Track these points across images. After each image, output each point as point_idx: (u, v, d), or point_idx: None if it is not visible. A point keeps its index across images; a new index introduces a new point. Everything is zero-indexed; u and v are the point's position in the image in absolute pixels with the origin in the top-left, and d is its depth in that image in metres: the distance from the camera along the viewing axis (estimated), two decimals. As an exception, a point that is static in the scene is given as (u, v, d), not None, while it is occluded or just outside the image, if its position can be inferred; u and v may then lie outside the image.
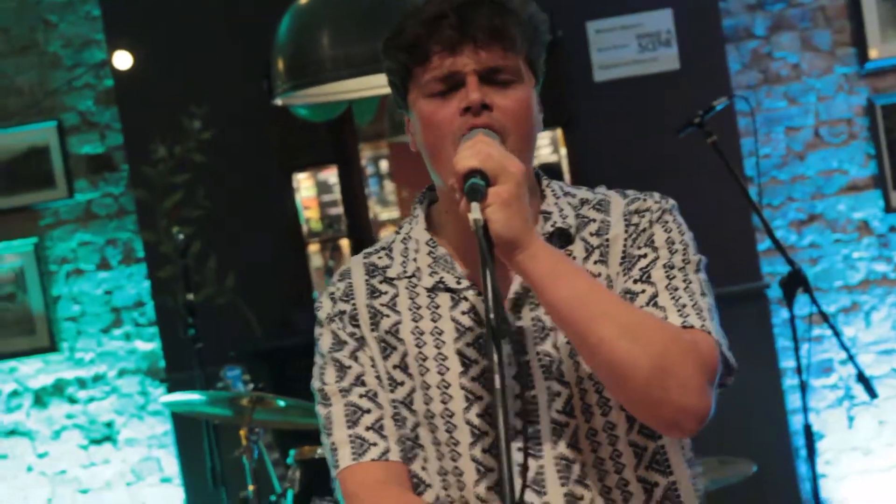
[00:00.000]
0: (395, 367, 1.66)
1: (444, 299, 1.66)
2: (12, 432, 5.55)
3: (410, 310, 1.67)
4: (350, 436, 1.63)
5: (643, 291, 1.59)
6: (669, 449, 1.63)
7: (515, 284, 1.64)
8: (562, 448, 1.59)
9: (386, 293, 1.69)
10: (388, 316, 1.68)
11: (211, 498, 4.46)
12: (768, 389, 5.03)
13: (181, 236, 3.94)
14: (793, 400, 5.06)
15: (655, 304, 1.58)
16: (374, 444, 1.62)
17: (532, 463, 1.59)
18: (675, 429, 1.52)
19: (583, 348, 1.51)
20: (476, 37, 1.57)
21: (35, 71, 5.54)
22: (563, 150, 5.15)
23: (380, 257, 1.74)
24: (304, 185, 5.51)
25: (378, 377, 1.66)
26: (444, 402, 1.61)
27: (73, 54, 5.51)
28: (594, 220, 1.68)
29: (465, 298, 1.65)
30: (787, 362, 5.08)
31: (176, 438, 5.39)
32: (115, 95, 5.39)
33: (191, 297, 4.01)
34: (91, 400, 5.54)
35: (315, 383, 1.70)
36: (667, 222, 1.65)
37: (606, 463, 1.59)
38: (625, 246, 1.64)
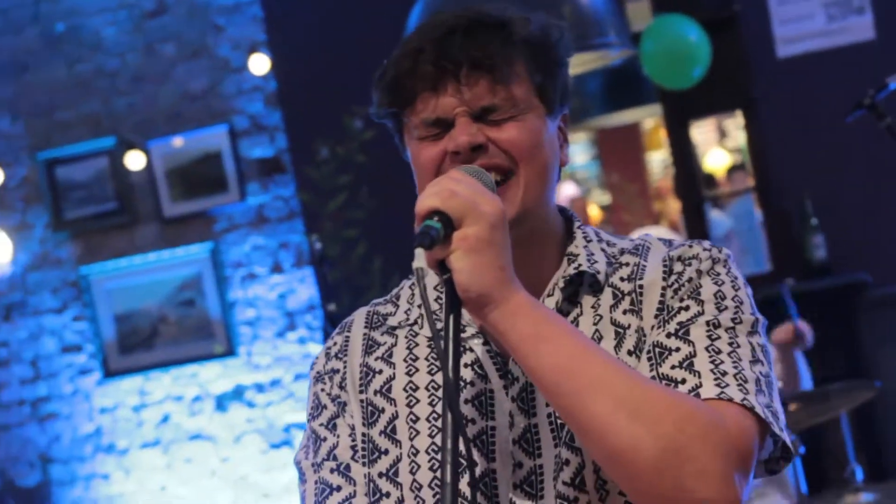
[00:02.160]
0: (381, 433, 1.43)
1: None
2: (196, 437, 5.60)
3: (406, 361, 1.44)
4: None
5: (677, 349, 1.31)
6: None
7: None
8: None
9: (383, 345, 1.47)
10: (380, 372, 1.46)
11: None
12: None
13: (318, 245, 3.79)
14: None
15: (690, 367, 1.29)
16: None
17: None
18: None
19: (574, 427, 1.25)
20: (457, 72, 1.34)
21: (206, 75, 5.54)
22: (744, 136, 4.69)
23: (385, 306, 1.52)
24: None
25: (354, 447, 1.44)
26: (433, 470, 1.37)
27: (241, 57, 5.47)
28: (627, 265, 1.43)
29: (470, 349, 1.40)
30: None
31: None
32: (279, 97, 5.32)
33: (332, 307, 3.85)
34: (269, 404, 5.51)
35: (295, 455, 1.52)
36: (718, 274, 1.37)
37: None
38: (663, 295, 1.37)
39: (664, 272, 1.38)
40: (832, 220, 4.54)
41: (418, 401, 1.41)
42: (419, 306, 1.46)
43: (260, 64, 4.72)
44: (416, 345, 1.45)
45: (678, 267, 1.38)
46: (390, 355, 1.46)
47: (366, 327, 1.50)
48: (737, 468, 1.21)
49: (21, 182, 5.69)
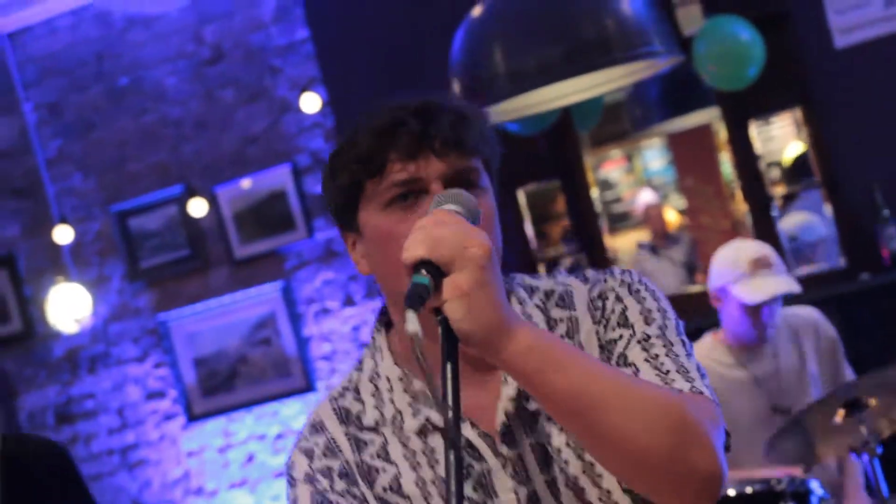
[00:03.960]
0: None
1: (436, 440, 1.44)
2: (282, 474, 5.63)
3: (406, 458, 1.45)
4: None
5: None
6: None
7: (500, 413, 1.43)
8: None
9: (373, 442, 1.47)
10: (384, 470, 1.46)
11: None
12: None
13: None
14: None
15: None
16: None
17: None
18: (702, 499, 1.34)
19: (592, 442, 1.32)
20: (434, 145, 1.39)
21: (266, 116, 5.61)
22: (805, 134, 4.60)
23: (349, 402, 1.51)
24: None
25: None
26: None
27: (299, 96, 5.52)
28: (561, 321, 1.49)
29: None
30: None
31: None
32: (338, 132, 5.36)
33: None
34: (351, 437, 5.53)
35: None
36: (637, 291, 1.47)
37: None
38: (598, 338, 1.47)
39: (591, 317, 1.47)
40: (905, 210, 4.43)
41: (431, 495, 1.43)
42: (391, 401, 1.47)
43: (311, 102, 4.76)
44: (409, 438, 1.45)
45: (599, 303, 1.47)
46: (387, 454, 1.46)
47: (341, 424, 1.49)
48: (719, 441, 1.34)
49: (96, 236, 5.81)
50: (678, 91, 5.23)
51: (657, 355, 1.41)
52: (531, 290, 1.51)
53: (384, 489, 1.44)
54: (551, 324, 1.48)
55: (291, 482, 1.47)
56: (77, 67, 5.82)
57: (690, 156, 7.80)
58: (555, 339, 1.32)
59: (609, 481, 1.42)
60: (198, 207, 5.47)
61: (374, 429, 1.48)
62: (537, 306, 1.49)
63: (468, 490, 1.42)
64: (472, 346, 1.24)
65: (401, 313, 1.41)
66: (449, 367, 1.20)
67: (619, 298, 1.46)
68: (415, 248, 1.22)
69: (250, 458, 5.65)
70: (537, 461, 1.42)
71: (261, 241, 5.59)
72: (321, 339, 5.55)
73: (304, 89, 4.96)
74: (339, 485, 1.45)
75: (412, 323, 1.16)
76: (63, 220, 5.35)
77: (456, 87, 3.53)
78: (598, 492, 1.41)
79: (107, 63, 5.78)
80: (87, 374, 5.84)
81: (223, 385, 5.68)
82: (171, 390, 5.74)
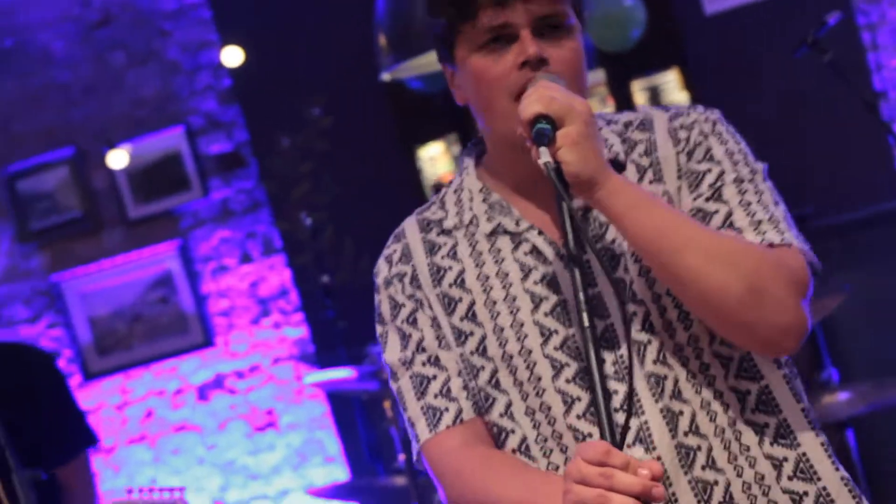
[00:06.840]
0: (462, 318, 1.66)
1: (504, 242, 1.66)
2: (181, 427, 5.78)
3: (472, 257, 1.67)
4: (422, 407, 1.66)
5: (717, 211, 1.58)
6: (755, 355, 1.61)
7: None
8: (649, 366, 1.58)
9: (445, 244, 1.70)
10: (450, 268, 1.68)
11: (372, 470, 4.59)
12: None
13: (309, 221, 4.03)
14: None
15: (731, 225, 1.57)
16: (446, 410, 1.65)
17: (621, 387, 1.57)
18: (774, 348, 1.54)
19: (671, 279, 1.52)
20: None
21: (157, 79, 5.71)
22: (685, 94, 5.04)
23: (433, 212, 1.74)
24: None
25: (439, 338, 1.67)
26: (519, 341, 1.61)
27: (191, 58, 5.66)
28: (640, 141, 1.66)
29: (527, 239, 1.65)
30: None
31: (335, 419, 5.52)
32: (235, 93, 5.53)
33: (326, 279, 4.09)
34: (250, 390, 5.72)
35: (384, 356, 1.73)
36: (720, 133, 1.62)
37: (698, 377, 1.59)
38: (679, 162, 1.62)
39: (673, 142, 1.62)
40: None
41: (492, 287, 1.64)
42: (470, 209, 1.69)
43: (233, 56, 4.95)
44: (477, 241, 1.68)
45: (683, 134, 1.62)
46: (455, 254, 1.68)
47: (421, 232, 1.72)
48: (801, 296, 1.52)
49: (-16, 199, 5.80)
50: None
51: (749, 202, 1.57)
52: (611, 122, 1.69)
53: (449, 285, 1.67)
54: (629, 144, 1.65)
55: (377, 288, 1.73)
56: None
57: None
58: (642, 189, 1.55)
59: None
60: (96, 167, 5.53)
61: (450, 232, 1.69)
62: (614, 132, 1.67)
63: (530, 284, 1.61)
64: (576, 186, 1.48)
65: (492, 139, 1.67)
66: (565, 205, 1.46)
67: (703, 133, 1.61)
68: (532, 105, 1.47)
69: (149, 414, 5.78)
70: (602, 264, 1.51)
71: (155, 202, 5.70)
72: (219, 295, 5.71)
73: (223, 45, 5.11)
74: (407, 289, 1.69)
75: (545, 155, 1.44)
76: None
77: (382, 40, 3.79)
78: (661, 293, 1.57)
79: (-9, 25, 5.77)
80: (-24, 337, 5.84)
81: (120, 343, 5.77)
82: (65, 350, 5.80)
